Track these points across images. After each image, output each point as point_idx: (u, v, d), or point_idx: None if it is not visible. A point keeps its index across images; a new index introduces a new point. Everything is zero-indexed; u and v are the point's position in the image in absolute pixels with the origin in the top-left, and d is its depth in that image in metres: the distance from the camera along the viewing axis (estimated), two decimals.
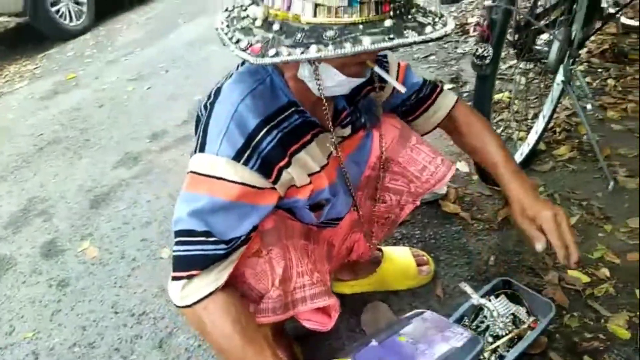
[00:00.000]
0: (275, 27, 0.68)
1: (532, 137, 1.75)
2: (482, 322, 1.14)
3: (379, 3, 0.66)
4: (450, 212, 1.60)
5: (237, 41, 0.70)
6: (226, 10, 0.79)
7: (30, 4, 4.14)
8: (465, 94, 2.26)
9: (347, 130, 0.98)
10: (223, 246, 0.81)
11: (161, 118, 2.73)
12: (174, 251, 0.83)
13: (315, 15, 0.66)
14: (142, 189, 2.12)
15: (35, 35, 4.58)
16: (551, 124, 1.86)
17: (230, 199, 0.80)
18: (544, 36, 1.52)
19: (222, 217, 0.81)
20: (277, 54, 0.66)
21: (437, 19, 0.71)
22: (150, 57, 3.73)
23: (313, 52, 0.64)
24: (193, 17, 4.42)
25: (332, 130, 0.91)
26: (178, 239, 0.82)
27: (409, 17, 0.69)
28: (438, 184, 1.11)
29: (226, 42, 0.71)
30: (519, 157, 1.70)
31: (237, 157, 0.79)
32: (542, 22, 1.47)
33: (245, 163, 0.80)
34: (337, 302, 0.97)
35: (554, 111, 1.78)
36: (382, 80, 1.00)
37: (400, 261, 1.37)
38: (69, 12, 4.56)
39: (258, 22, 0.70)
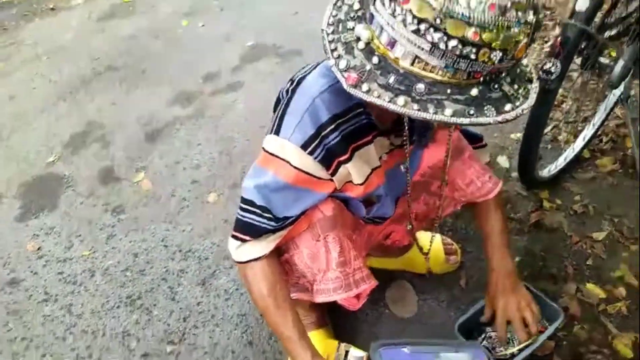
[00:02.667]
0: (375, 60, 0.73)
1: (579, 143, 1.78)
2: None
3: (471, 72, 0.69)
4: None
5: (338, 57, 0.75)
6: (334, 6, 0.80)
7: None
8: None
9: (399, 140, 1.04)
10: (273, 223, 0.93)
11: (214, 59, 2.78)
12: (238, 213, 0.96)
13: (412, 64, 0.70)
14: (193, 130, 2.23)
15: None
16: (599, 132, 1.87)
17: (291, 182, 0.91)
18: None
19: (281, 196, 0.92)
20: (369, 91, 0.71)
21: (521, 89, 0.74)
22: None
23: (399, 104, 0.70)
24: None
25: (389, 137, 1.00)
26: (242, 205, 0.96)
27: (497, 83, 0.72)
28: (482, 198, 1.19)
29: (328, 53, 0.76)
30: (562, 161, 1.73)
31: (305, 146, 0.89)
32: (609, 33, 1.46)
33: (311, 153, 0.89)
34: (376, 284, 1.08)
35: (604, 120, 1.79)
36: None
37: (432, 248, 1.47)
38: None
39: (361, 45, 0.74)
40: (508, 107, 0.72)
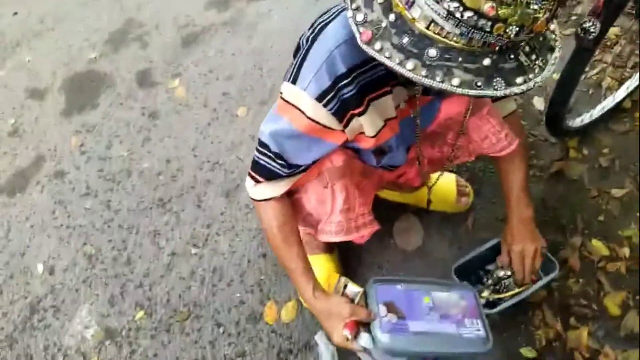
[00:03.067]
0: (392, 17, 0.72)
1: (621, 93, 1.70)
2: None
3: (487, 42, 0.68)
4: None
5: (357, 8, 0.74)
6: None
7: None
8: (574, 17, 2.10)
9: (419, 89, 1.03)
10: (285, 170, 0.99)
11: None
12: (255, 154, 1.02)
13: (428, 27, 0.69)
14: (228, 39, 2.23)
15: None
16: None
17: (304, 131, 0.95)
18: None
19: (294, 143, 0.97)
20: (381, 50, 0.71)
21: (538, 60, 0.72)
22: None
23: (408, 67, 0.70)
24: None
25: (407, 87, 1.00)
26: (258, 147, 1.01)
27: (514, 53, 0.70)
28: (495, 154, 1.19)
29: (347, 2, 0.75)
30: (598, 111, 1.67)
31: (320, 98, 0.90)
32: None
33: (326, 105, 0.91)
34: (377, 229, 1.16)
35: (625, 99, 1.68)
36: None
37: (443, 187, 1.50)
38: None
39: None
40: (519, 79, 0.71)
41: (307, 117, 0.92)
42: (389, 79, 0.96)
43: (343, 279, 1.05)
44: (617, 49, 1.89)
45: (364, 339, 0.95)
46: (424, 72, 0.70)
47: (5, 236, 1.62)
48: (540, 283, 1.25)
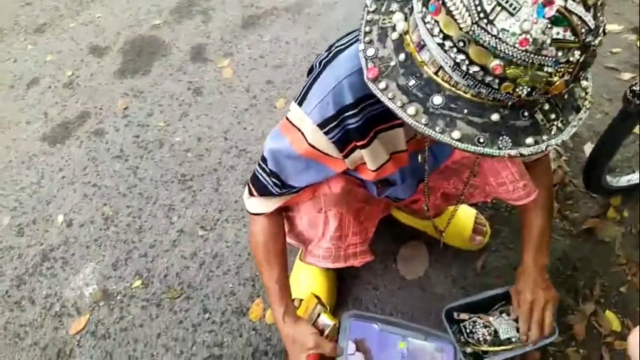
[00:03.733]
0: (402, 56, 0.68)
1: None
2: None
3: (496, 98, 0.62)
4: None
5: (370, 41, 0.71)
6: None
7: None
8: None
9: None
10: (277, 189, 0.97)
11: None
12: (256, 166, 1.02)
13: (436, 73, 0.65)
14: (287, 26, 2.23)
15: None
16: None
17: (303, 154, 0.93)
18: None
19: (292, 164, 0.95)
20: (385, 89, 0.68)
21: (557, 121, 0.65)
22: None
23: (409, 112, 0.66)
24: None
25: None
26: (259, 160, 1.00)
27: (529, 110, 0.64)
28: (511, 202, 1.13)
29: (361, 35, 0.72)
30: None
31: (322, 125, 0.87)
32: None
33: (327, 133, 0.88)
34: (369, 260, 1.14)
35: None
36: None
37: (460, 220, 1.45)
38: None
39: (394, 35, 0.69)
40: (530, 140, 0.64)
41: (307, 142, 0.91)
42: None
43: (319, 307, 1.05)
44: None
45: None
46: (424, 120, 0.66)
47: (37, 182, 1.74)
48: (538, 344, 1.18)
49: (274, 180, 0.97)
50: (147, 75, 2.06)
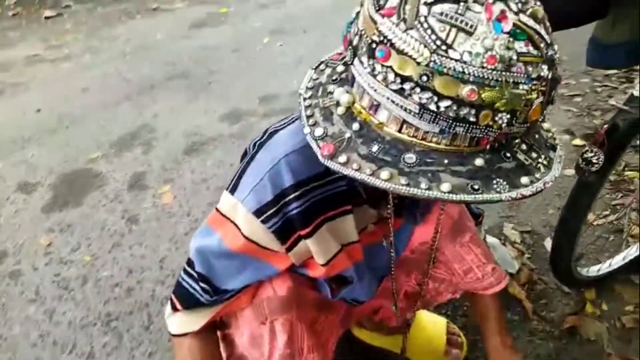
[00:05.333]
0: (355, 126, 0.60)
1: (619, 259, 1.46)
2: None
3: (474, 138, 0.55)
4: (513, 296, 1.42)
5: (314, 124, 0.62)
6: (316, 68, 0.70)
7: None
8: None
9: (387, 211, 0.88)
10: (208, 297, 0.80)
11: (278, 81, 2.77)
12: (180, 274, 0.84)
13: (400, 130, 0.57)
14: (232, 150, 2.20)
15: None
16: None
17: (237, 250, 0.78)
18: None
19: (225, 264, 0.80)
20: (347, 163, 0.58)
21: (541, 158, 0.59)
22: (295, 13, 3.75)
23: (384, 178, 0.55)
24: None
25: (377, 207, 0.85)
26: (186, 266, 0.83)
27: (507, 154, 0.57)
28: (481, 291, 0.99)
29: (303, 120, 0.64)
30: (619, 260, 1.44)
31: (258, 213, 0.75)
32: None
33: (264, 221, 0.75)
34: None
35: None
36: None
37: (431, 333, 1.27)
38: None
39: (340, 110, 0.62)
40: (525, 180, 0.56)
41: (242, 235, 0.77)
42: (350, 197, 0.80)
43: None
44: (637, 194, 1.69)
45: None
46: (403, 181, 0.55)
47: None
48: None
49: (203, 285, 0.80)
50: (77, 208, 1.91)
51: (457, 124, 0.52)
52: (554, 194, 1.79)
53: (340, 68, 0.67)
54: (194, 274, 0.81)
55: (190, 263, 0.82)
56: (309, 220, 0.76)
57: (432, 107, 0.52)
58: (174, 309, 0.84)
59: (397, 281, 1.02)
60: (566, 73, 2.53)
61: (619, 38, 0.95)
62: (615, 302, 1.38)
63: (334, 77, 0.66)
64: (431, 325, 1.28)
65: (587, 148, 0.97)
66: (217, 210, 0.80)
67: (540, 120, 0.58)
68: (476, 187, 0.54)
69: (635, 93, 0.95)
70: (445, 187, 0.54)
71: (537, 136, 0.61)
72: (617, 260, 1.43)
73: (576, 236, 1.20)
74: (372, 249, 0.90)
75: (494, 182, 0.55)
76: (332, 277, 0.88)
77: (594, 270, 1.39)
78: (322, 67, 0.70)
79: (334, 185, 0.77)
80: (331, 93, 0.64)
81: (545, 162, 0.58)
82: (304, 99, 0.66)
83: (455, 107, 0.51)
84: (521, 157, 0.57)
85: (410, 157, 0.56)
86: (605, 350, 1.27)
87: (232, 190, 0.78)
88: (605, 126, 0.98)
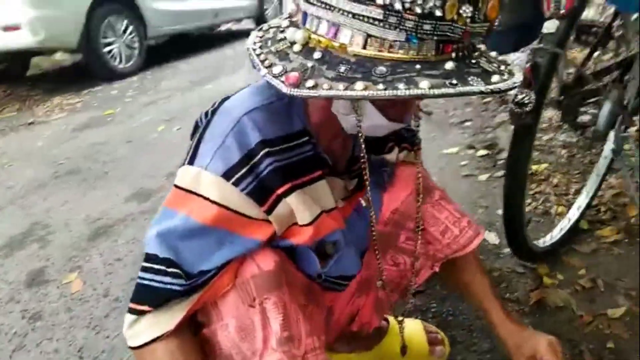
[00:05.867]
0: (317, 55, 0.57)
1: (574, 213, 1.55)
2: None
3: (440, 42, 0.54)
4: None
5: (270, 65, 0.58)
6: (260, 29, 0.67)
7: (85, 41, 4.29)
8: (500, 161, 2.09)
9: (354, 183, 0.84)
10: (182, 281, 0.66)
11: (181, 158, 2.67)
12: (138, 279, 0.69)
13: (365, 47, 0.54)
14: (145, 226, 2.00)
15: (85, 73, 4.74)
16: (595, 202, 1.66)
17: (206, 223, 0.66)
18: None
19: (195, 244, 0.67)
20: (315, 86, 0.53)
21: (502, 67, 0.59)
22: (188, 103, 3.76)
23: (359, 89, 0.52)
24: (236, 70, 4.50)
25: (344, 179, 0.81)
26: (143, 263, 0.69)
27: (472, 62, 0.57)
28: (461, 251, 0.95)
29: (257, 64, 0.59)
30: (557, 232, 1.49)
31: (227, 175, 0.66)
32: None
33: (236, 183, 0.66)
34: None
35: (599, 187, 1.59)
36: (413, 142, 0.90)
37: (409, 336, 1.16)
38: (121, 54, 4.71)
39: (297, 47, 0.59)
40: (496, 78, 0.55)
41: (212, 202, 0.66)
42: (317, 165, 0.74)
43: None
44: (553, 180, 1.83)
45: None
46: (381, 86, 0.52)
47: None
48: None
49: (172, 270, 0.66)
50: None
51: (424, 21, 0.52)
52: (478, 197, 1.86)
53: (285, 23, 0.65)
54: (159, 266, 0.66)
55: (149, 258, 0.68)
56: (284, 178, 0.69)
57: (397, 5, 0.51)
58: (139, 313, 0.68)
59: (370, 265, 0.94)
60: (450, 105, 2.79)
61: (505, 24, 1.07)
62: (568, 271, 1.41)
63: (281, 30, 0.64)
64: (409, 330, 1.18)
65: (516, 92, 1.02)
66: (176, 187, 0.69)
67: (495, 20, 0.59)
68: (454, 82, 0.53)
69: (545, 30, 1.03)
70: (425, 84, 0.52)
71: (492, 55, 0.62)
72: (556, 232, 1.48)
73: (524, 190, 1.22)
74: (348, 222, 0.82)
75: (469, 78, 0.54)
76: (318, 250, 0.78)
77: (542, 243, 1.43)
78: (265, 27, 0.67)
79: (300, 150, 0.71)
80: (283, 39, 0.61)
81: (507, 71, 0.59)
82: (254, 50, 0.62)
83: (420, 2, 0.51)
84: (485, 65, 0.58)
85: (381, 70, 0.54)
86: (576, 313, 1.26)
87: (191, 161, 0.69)
88: (528, 65, 1.05)
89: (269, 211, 0.69)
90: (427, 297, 1.37)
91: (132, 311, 0.69)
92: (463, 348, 1.20)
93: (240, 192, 0.66)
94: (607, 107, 1.23)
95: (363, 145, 0.73)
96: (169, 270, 0.66)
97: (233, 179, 0.66)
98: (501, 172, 1.99)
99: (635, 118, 1.35)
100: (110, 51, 4.57)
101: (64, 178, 2.63)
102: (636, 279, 1.32)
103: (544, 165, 1.98)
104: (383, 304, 1.03)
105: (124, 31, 4.67)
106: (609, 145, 1.34)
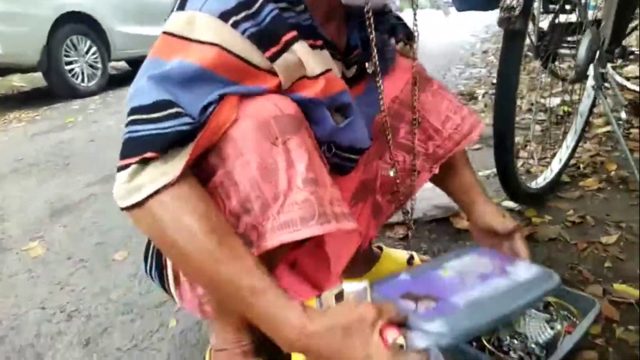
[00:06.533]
0: None
1: (556, 165, 1.56)
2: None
3: None
4: (464, 229, 1.35)
5: None
6: None
7: (46, 60, 4.16)
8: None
9: (352, 71, 0.81)
10: (187, 119, 0.57)
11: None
12: (126, 133, 0.59)
13: None
14: (112, 202, 1.88)
15: (44, 96, 4.58)
16: (573, 162, 1.68)
17: (204, 65, 0.58)
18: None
19: (194, 89, 0.59)
20: None
21: None
22: None
23: None
24: None
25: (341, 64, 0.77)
26: (132, 117, 0.59)
27: None
28: (463, 141, 0.92)
29: None
30: (542, 180, 1.49)
31: (224, 16, 0.59)
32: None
33: (235, 25, 0.59)
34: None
35: (578, 142, 1.61)
36: (408, 36, 0.88)
37: (402, 263, 1.11)
38: (83, 73, 4.59)
39: None
40: None
41: (210, 44, 0.59)
42: (318, 36, 0.69)
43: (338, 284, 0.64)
44: (530, 149, 1.86)
45: (419, 337, 0.58)
46: None
47: None
48: (585, 322, 0.82)
49: (175, 111, 0.57)
50: None
51: None
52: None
53: None
54: (158, 114, 0.57)
55: (140, 109, 0.58)
56: (290, 25, 0.63)
57: None
58: (141, 163, 0.56)
59: (369, 164, 0.90)
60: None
61: None
62: (555, 212, 1.40)
63: None
64: (400, 256, 1.13)
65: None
66: (165, 34, 0.62)
67: None
68: None
69: None
70: None
71: None
72: (541, 180, 1.49)
73: (515, 94, 1.20)
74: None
75: None
76: (330, 105, 0.71)
77: (540, 181, 1.43)
78: None
79: (300, 18, 0.66)
80: None
81: None
82: None
83: None
84: None
85: None
86: (570, 242, 1.24)
87: (181, 7, 0.62)
88: None
89: (273, 58, 0.62)
90: (418, 241, 1.32)
91: (127, 165, 0.57)
92: None
93: (240, 35, 0.60)
94: (585, 42, 1.26)
95: (370, 13, 0.70)
96: (171, 110, 0.57)
97: (231, 21, 0.60)
98: (477, 145, 2.01)
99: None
100: (72, 70, 4.45)
101: (23, 171, 2.47)
102: (625, 215, 1.32)
103: (517, 139, 2.01)
104: (381, 211, 0.97)
105: (87, 51, 4.58)
106: (590, 82, 1.37)
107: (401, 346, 0.56)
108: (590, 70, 1.32)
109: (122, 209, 0.59)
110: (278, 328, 0.57)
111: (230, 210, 0.62)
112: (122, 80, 5.11)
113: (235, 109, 0.61)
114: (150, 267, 0.87)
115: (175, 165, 0.57)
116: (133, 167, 0.56)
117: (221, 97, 0.60)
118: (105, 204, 1.87)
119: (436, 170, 0.95)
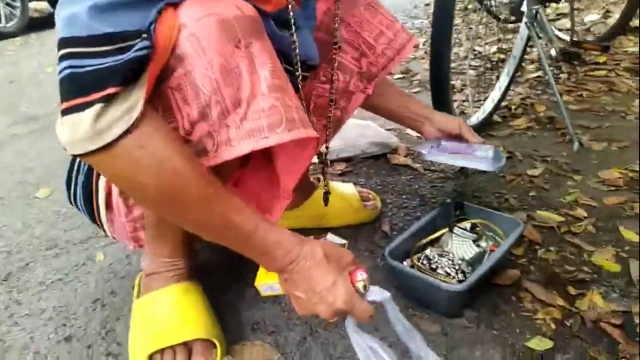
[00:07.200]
0: None
1: (489, 104, 1.60)
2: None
3: None
4: (401, 164, 1.37)
5: None
6: None
7: None
8: (415, 82, 2.13)
9: None
10: (146, 42, 0.50)
11: None
12: (63, 70, 0.50)
13: None
14: (36, 140, 1.76)
15: None
16: (504, 104, 1.73)
17: None
18: None
19: (140, 6, 0.51)
20: None
21: None
22: None
23: None
24: None
25: None
26: (70, 49, 0.50)
27: None
28: (397, 57, 0.91)
29: None
30: (475, 119, 1.53)
31: None
32: None
33: None
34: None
35: (510, 83, 1.65)
36: None
37: (341, 192, 1.11)
38: (0, 13, 4.18)
39: None
40: None
41: None
42: None
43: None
44: (466, 92, 1.89)
45: (379, 290, 0.63)
46: None
47: None
48: (509, 240, 0.86)
49: (128, 42, 0.50)
50: None
51: None
52: None
53: None
54: (108, 47, 0.49)
55: (73, 40, 0.50)
56: None
57: None
58: (105, 100, 0.49)
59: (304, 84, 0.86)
60: None
61: None
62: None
63: None
64: (339, 187, 1.13)
65: None
66: None
67: None
68: None
69: None
70: None
71: None
72: (473, 120, 1.52)
73: (450, 35, 1.20)
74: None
75: None
76: (278, 18, 0.67)
77: (475, 119, 1.46)
78: None
79: None
80: None
81: None
82: None
83: None
84: None
85: None
86: (497, 174, 1.28)
87: None
88: None
89: None
90: (356, 176, 1.33)
91: (87, 104, 0.49)
92: (394, 207, 1.16)
93: None
94: None
95: None
96: (120, 36, 0.50)
97: None
98: (416, 89, 2.03)
99: None
100: None
101: None
102: (551, 151, 1.39)
103: (454, 82, 2.04)
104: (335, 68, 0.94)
105: None
106: (524, 20, 1.39)
107: (364, 288, 0.62)
108: (524, 8, 1.34)
109: (83, 154, 0.51)
110: (269, 252, 0.62)
111: (186, 116, 0.56)
112: (44, 23, 4.68)
113: (177, 16, 0.55)
114: (74, 197, 0.82)
115: (138, 97, 0.51)
116: (97, 106, 0.49)
117: (159, 12, 0.53)
118: (27, 144, 1.74)
119: (370, 91, 0.93)
